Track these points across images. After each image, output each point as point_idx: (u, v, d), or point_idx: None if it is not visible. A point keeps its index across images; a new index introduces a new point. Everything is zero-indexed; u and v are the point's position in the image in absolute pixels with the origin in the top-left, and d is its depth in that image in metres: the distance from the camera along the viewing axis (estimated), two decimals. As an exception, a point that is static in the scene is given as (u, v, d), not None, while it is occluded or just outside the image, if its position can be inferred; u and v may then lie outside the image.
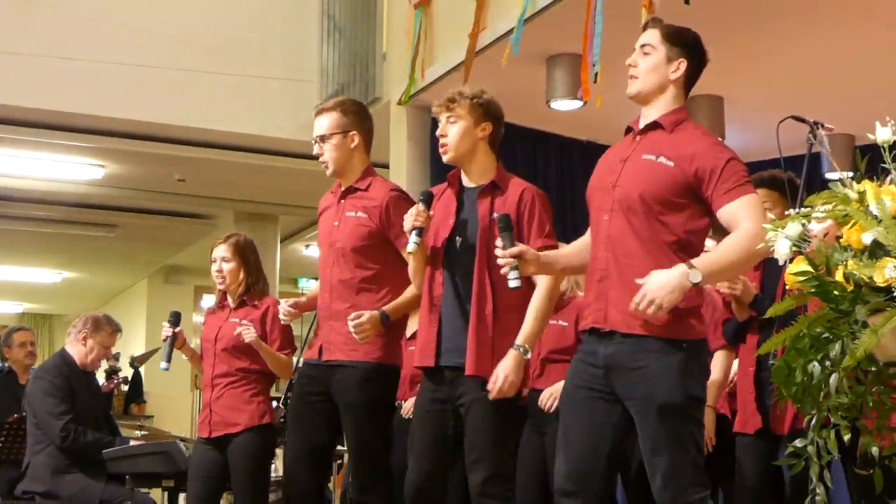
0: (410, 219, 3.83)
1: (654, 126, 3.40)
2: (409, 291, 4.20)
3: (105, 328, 6.27)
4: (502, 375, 3.71)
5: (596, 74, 5.73)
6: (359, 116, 4.41)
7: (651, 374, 3.20)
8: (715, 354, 4.62)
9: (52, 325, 20.01)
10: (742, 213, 3.21)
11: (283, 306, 4.40)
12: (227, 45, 8.92)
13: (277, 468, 6.54)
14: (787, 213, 2.56)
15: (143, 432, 7.96)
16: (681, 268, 3.12)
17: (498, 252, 3.41)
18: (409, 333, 5.21)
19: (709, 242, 4.49)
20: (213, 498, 5.11)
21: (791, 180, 4.51)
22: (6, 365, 7.37)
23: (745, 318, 4.48)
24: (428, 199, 3.90)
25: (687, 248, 3.29)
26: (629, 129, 3.51)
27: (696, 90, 8.38)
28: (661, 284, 3.10)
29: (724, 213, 3.24)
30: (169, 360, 5.09)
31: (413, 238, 3.82)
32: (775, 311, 2.54)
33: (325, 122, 4.37)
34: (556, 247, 3.84)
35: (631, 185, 3.32)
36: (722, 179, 3.23)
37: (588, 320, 3.38)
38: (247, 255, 5.17)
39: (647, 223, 3.28)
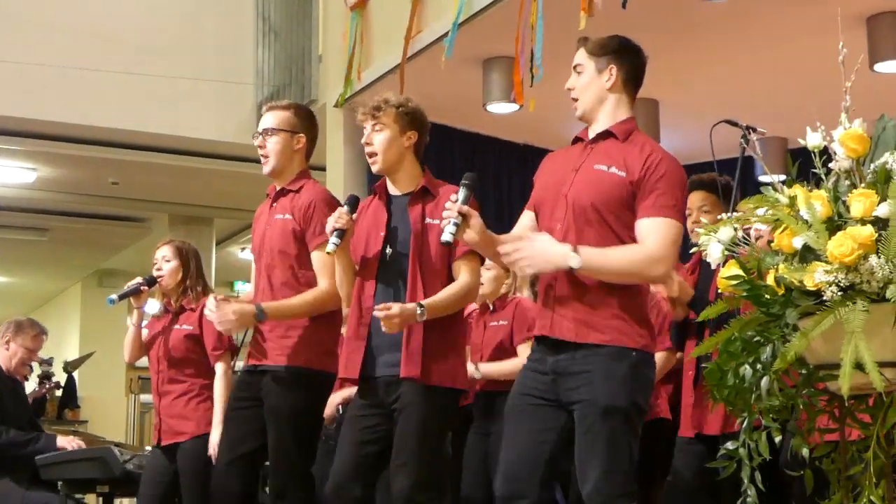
0: (332, 220, 3.77)
1: (605, 135, 3.41)
2: (309, 295, 4.12)
3: (27, 331, 6.18)
4: (397, 310, 3.60)
5: (532, 77, 5.75)
6: (309, 122, 4.43)
7: (597, 377, 3.21)
8: (656, 355, 4.60)
9: (-18, 330, 19.67)
10: (653, 233, 3.25)
11: (211, 300, 4.12)
12: (160, 46, 8.81)
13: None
14: (719, 217, 2.59)
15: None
16: (566, 248, 3.17)
17: (448, 204, 3.34)
18: None
19: None
20: (164, 502, 5.13)
21: (727, 184, 4.55)
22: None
23: (682, 318, 4.49)
24: (353, 203, 3.86)
25: None
26: (577, 139, 3.51)
27: (631, 94, 8.29)
28: (543, 251, 3.18)
29: (639, 225, 3.28)
30: (120, 299, 5.11)
31: (333, 239, 3.75)
32: (707, 315, 2.56)
33: (275, 118, 4.34)
34: None
35: (584, 195, 3.32)
36: (652, 193, 3.27)
37: (537, 328, 3.39)
38: (188, 259, 5.22)
39: (599, 233, 3.29)
